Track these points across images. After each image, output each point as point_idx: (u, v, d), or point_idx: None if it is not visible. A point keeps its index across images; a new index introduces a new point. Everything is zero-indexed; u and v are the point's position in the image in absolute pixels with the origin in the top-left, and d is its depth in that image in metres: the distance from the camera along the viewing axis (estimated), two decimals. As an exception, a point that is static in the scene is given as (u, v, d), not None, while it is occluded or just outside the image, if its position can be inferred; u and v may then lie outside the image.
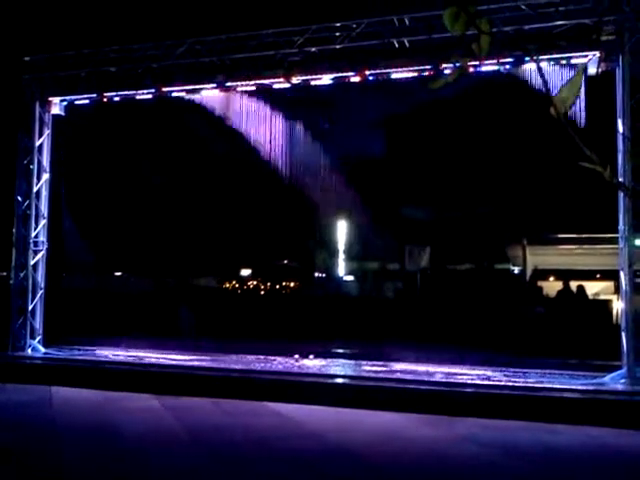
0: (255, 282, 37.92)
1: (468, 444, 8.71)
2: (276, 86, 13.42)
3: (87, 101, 14.89)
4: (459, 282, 23.86)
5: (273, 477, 7.38)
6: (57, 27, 15.39)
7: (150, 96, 14.40)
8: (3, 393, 12.03)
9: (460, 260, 27.81)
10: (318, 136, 15.54)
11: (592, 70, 11.25)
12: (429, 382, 11.32)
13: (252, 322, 18.47)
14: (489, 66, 11.28)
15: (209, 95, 14.11)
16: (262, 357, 14.01)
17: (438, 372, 12.13)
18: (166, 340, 15.87)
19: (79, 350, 15.12)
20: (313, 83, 13.32)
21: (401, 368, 12.60)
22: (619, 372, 10.92)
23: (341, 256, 33.75)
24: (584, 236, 22.61)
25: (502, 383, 11.21)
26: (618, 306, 13.21)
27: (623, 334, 10.91)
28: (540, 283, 22.40)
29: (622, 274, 11.02)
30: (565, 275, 19.81)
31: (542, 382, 11.18)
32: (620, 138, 10.71)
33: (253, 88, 13.67)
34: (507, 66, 11.62)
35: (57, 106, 15.02)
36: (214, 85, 13.76)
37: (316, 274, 35.94)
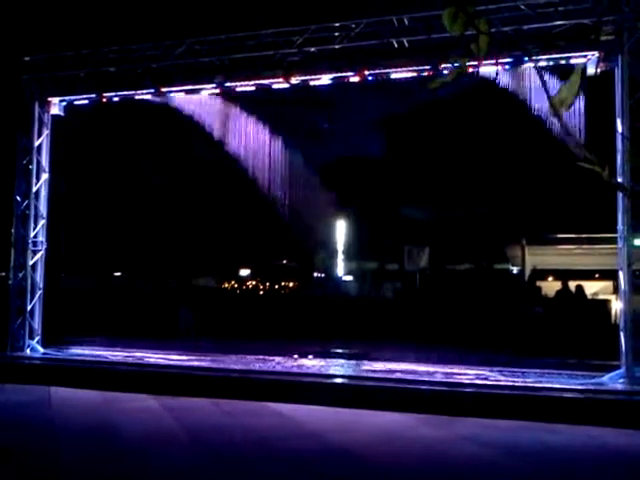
0: (254, 282, 37.90)
1: (468, 444, 8.72)
2: (275, 86, 13.42)
3: (86, 101, 14.89)
4: (458, 282, 23.88)
5: (273, 477, 7.38)
6: (56, 27, 15.39)
7: (149, 96, 14.40)
8: (2, 393, 12.02)
9: (459, 260, 27.84)
10: (314, 137, 15.64)
11: (591, 70, 11.25)
12: (429, 382, 11.31)
13: (251, 322, 18.48)
14: (488, 66, 11.27)
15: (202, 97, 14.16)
16: (261, 357, 14.01)
17: (438, 372, 12.13)
18: (165, 340, 15.87)
19: (78, 350, 15.11)
20: (312, 83, 13.32)
21: (401, 368, 12.60)
22: (618, 372, 10.93)
23: (340, 256, 33.76)
24: (583, 236, 22.65)
25: (502, 383, 11.22)
26: (617, 306, 13.22)
27: (622, 334, 10.92)
28: (539, 283, 22.42)
29: (621, 274, 11.03)
30: (564, 275, 19.84)
31: (541, 382, 11.19)
32: (619, 138, 10.71)
33: (252, 88, 13.67)
34: (506, 66, 11.62)
35: (56, 106, 15.01)
36: (213, 85, 13.75)
37: (315, 274, 35.95)
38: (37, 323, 14.79)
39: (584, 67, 11.45)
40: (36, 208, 14.82)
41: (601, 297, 19.27)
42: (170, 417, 10.18)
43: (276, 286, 36.40)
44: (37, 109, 14.80)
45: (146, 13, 14.55)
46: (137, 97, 14.50)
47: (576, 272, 20.90)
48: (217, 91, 13.90)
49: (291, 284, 36.40)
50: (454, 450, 8.47)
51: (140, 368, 13.20)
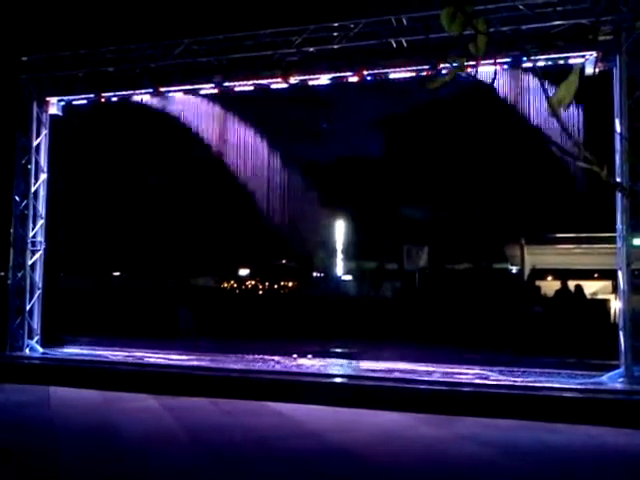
0: (253, 282, 37.90)
1: (468, 443, 8.72)
2: (274, 86, 13.41)
3: (85, 101, 14.88)
4: (457, 281, 23.89)
5: (272, 477, 7.38)
6: (55, 27, 15.37)
7: (148, 96, 14.40)
8: (1, 393, 12.02)
9: (458, 260, 27.86)
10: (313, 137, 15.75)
11: (589, 70, 11.27)
12: (428, 382, 11.32)
13: (251, 322, 18.48)
14: (486, 66, 11.27)
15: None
16: (261, 357, 14.02)
17: (437, 371, 12.14)
18: (165, 340, 15.86)
19: (77, 350, 15.10)
20: (311, 83, 13.31)
21: (400, 367, 12.61)
22: (617, 371, 10.95)
23: (339, 256, 33.77)
24: (582, 235, 22.64)
25: (501, 382, 11.23)
26: (616, 305, 13.24)
27: (621, 333, 10.93)
28: (538, 282, 22.42)
29: (620, 273, 11.05)
30: (563, 274, 19.84)
31: (540, 381, 11.20)
32: (617, 138, 10.71)
33: (251, 88, 13.66)
34: (505, 66, 11.63)
35: (55, 106, 15.01)
36: (212, 85, 13.75)
37: (314, 274, 35.96)
38: (36, 323, 14.78)
39: (582, 67, 11.45)
40: (35, 208, 14.82)
41: (600, 297, 19.28)
42: (170, 417, 10.18)
43: (275, 286, 36.40)
44: (35, 109, 14.79)
45: (144, 13, 14.54)
46: (135, 97, 14.50)
47: (575, 272, 20.91)
48: (215, 91, 13.90)
49: (290, 284, 36.41)
50: (454, 449, 8.47)
51: (140, 368, 13.20)
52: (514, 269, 26.20)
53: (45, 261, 15.01)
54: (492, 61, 10.90)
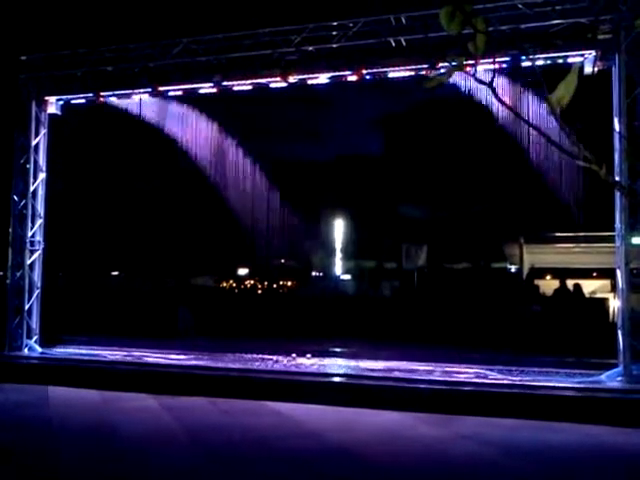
0: (252, 281, 37.87)
1: (467, 442, 8.73)
2: (273, 85, 13.41)
3: (84, 100, 14.86)
4: (456, 281, 23.89)
5: (272, 477, 7.38)
6: (53, 26, 15.36)
7: (147, 95, 14.37)
8: (0, 393, 12.01)
9: (457, 259, 27.87)
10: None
11: (588, 69, 11.27)
12: (428, 381, 11.32)
13: (250, 321, 18.49)
14: (485, 65, 11.26)
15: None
16: (260, 356, 14.01)
17: (436, 370, 12.14)
18: (164, 340, 15.86)
19: (76, 350, 15.09)
20: (310, 82, 13.31)
21: (399, 367, 12.61)
22: (615, 370, 10.95)
23: (338, 255, 33.77)
24: (581, 234, 22.63)
25: (500, 381, 11.23)
26: (615, 304, 13.24)
27: (619, 332, 10.94)
28: (537, 281, 22.43)
29: (619, 272, 11.05)
30: (562, 273, 19.86)
31: (539, 380, 11.21)
32: (616, 137, 10.71)
33: (250, 87, 13.65)
34: (504, 65, 11.62)
35: (53, 105, 14.99)
36: (211, 84, 13.73)
37: (313, 273, 35.95)
38: (35, 322, 14.77)
39: (581, 66, 11.45)
40: (33, 207, 14.80)
41: (599, 295, 19.29)
42: (169, 416, 10.17)
43: (274, 285, 36.38)
44: (34, 108, 14.77)
45: (143, 12, 14.53)
46: (134, 97, 14.48)
47: (574, 270, 20.93)
48: (214, 90, 13.88)
49: (289, 283, 36.39)
50: (453, 449, 8.48)
51: (139, 367, 13.20)
52: (513, 268, 26.21)
53: (44, 261, 15.00)
54: (491, 60, 10.90)
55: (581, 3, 10.94)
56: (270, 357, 13.93)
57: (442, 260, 27.97)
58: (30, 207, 14.70)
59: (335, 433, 9.16)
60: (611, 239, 11.68)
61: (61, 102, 15.06)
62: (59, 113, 15.11)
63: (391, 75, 12.74)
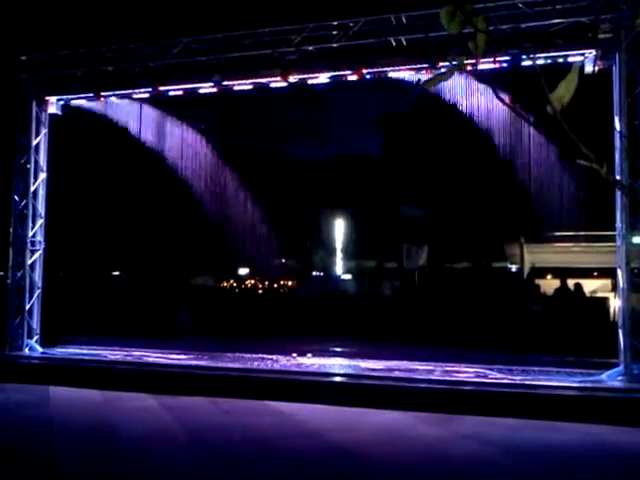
0: (253, 281, 37.84)
1: (468, 442, 8.72)
2: (273, 85, 13.40)
3: (84, 100, 14.86)
4: (457, 280, 23.88)
5: (272, 477, 7.38)
6: (54, 27, 15.36)
7: (147, 95, 14.38)
8: (1, 393, 12.01)
9: (458, 258, 27.84)
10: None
11: (589, 68, 11.25)
12: (429, 380, 11.32)
13: (250, 321, 18.49)
14: (486, 64, 11.27)
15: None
16: (260, 356, 14.01)
17: (437, 370, 12.14)
18: (164, 340, 15.86)
19: (76, 350, 15.09)
20: (310, 82, 13.30)
21: (400, 366, 12.61)
22: (616, 369, 10.95)
23: (339, 254, 33.77)
24: (581, 234, 22.62)
25: (501, 381, 11.23)
26: (615, 304, 13.23)
27: (620, 332, 10.93)
28: (537, 281, 22.43)
29: (619, 272, 11.04)
30: (562, 273, 19.86)
31: (540, 380, 11.21)
32: (617, 136, 10.71)
33: (250, 87, 13.65)
34: (504, 64, 11.62)
35: (54, 105, 14.99)
36: (211, 84, 13.73)
37: (314, 273, 35.94)
38: (36, 322, 14.77)
39: (582, 65, 11.44)
40: (34, 207, 14.80)
41: (599, 295, 19.29)
42: (169, 416, 10.17)
43: (275, 285, 36.35)
44: (35, 108, 14.77)
45: (143, 12, 14.53)
46: (134, 96, 14.49)
47: (575, 270, 20.92)
48: (214, 90, 13.88)
49: (290, 283, 36.37)
50: (454, 448, 8.47)
51: (139, 367, 13.20)
52: (514, 268, 26.20)
53: (44, 261, 15.00)
54: (492, 59, 10.91)
55: (581, 2, 10.94)
56: (270, 357, 13.93)
57: (443, 260, 27.95)
58: (31, 207, 14.70)
59: (335, 433, 9.16)
60: (612, 238, 11.68)
61: (61, 102, 15.07)
62: (59, 113, 15.12)
63: (391, 74, 12.73)
